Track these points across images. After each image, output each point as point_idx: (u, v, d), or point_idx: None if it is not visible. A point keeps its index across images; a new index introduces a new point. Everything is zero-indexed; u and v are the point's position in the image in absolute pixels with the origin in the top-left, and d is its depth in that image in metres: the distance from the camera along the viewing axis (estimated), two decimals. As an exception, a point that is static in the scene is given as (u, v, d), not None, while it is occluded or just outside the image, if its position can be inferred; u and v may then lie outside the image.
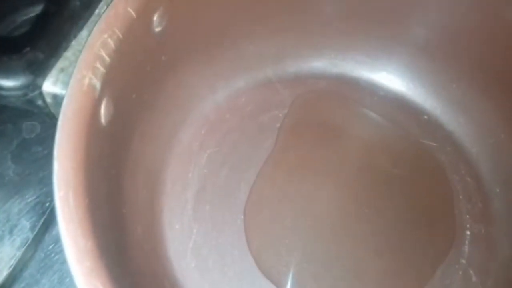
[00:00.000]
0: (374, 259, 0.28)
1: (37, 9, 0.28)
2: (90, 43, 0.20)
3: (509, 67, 0.29)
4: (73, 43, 0.22)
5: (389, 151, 0.32)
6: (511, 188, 0.30)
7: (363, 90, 0.33)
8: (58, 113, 0.19)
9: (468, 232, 0.29)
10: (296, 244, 0.28)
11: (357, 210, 0.29)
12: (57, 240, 0.28)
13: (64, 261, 0.27)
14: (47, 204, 0.28)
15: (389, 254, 0.28)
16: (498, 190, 0.30)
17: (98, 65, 0.19)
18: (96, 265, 0.16)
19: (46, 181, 0.29)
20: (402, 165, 0.31)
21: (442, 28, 0.31)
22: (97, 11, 0.23)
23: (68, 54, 0.22)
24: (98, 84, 0.19)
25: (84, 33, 0.22)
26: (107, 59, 0.20)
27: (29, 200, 0.29)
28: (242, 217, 0.28)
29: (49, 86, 0.21)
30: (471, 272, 0.28)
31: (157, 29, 0.24)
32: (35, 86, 0.21)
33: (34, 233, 0.28)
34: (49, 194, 0.29)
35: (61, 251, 0.27)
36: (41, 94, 0.21)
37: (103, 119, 0.20)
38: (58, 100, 0.21)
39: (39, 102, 0.21)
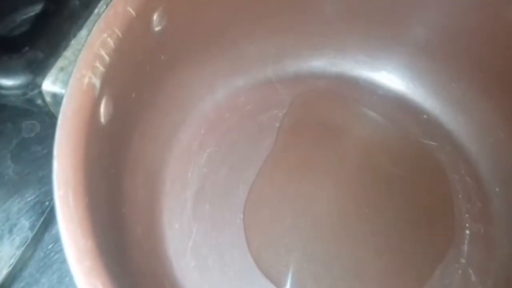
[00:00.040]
0: (373, 259, 0.28)
1: (37, 9, 0.28)
2: (89, 42, 0.20)
3: (509, 67, 0.29)
4: (73, 42, 0.22)
5: (389, 151, 0.32)
6: (510, 187, 0.30)
7: (362, 89, 0.33)
8: (58, 112, 0.19)
9: (467, 232, 0.29)
10: (295, 244, 0.28)
11: (356, 209, 0.29)
12: (56, 240, 0.28)
13: (63, 261, 0.27)
14: (47, 203, 0.28)
15: (388, 253, 0.28)
16: (497, 189, 0.30)
17: (98, 64, 0.19)
18: (96, 264, 0.16)
19: (45, 181, 0.29)
20: (401, 165, 0.31)
21: (442, 28, 0.31)
22: (96, 10, 0.23)
23: (68, 53, 0.22)
24: (97, 83, 0.19)
25: (83, 32, 0.22)
26: (107, 58, 0.20)
27: (29, 199, 0.29)
28: (242, 216, 0.28)
29: (49, 85, 0.21)
30: (470, 271, 0.28)
31: (157, 29, 0.24)
32: (35, 85, 0.21)
33: (34, 232, 0.28)
34: (49, 194, 0.29)
35: (60, 251, 0.27)
36: (40, 93, 0.21)
37: (102, 118, 0.20)
38: (57, 99, 0.21)
39: (39, 101, 0.21)
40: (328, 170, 0.31)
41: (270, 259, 0.27)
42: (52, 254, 0.28)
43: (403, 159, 0.31)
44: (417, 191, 0.30)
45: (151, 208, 0.27)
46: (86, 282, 0.16)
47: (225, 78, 0.32)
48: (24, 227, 0.28)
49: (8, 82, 0.21)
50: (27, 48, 0.21)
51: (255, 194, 0.29)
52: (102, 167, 0.20)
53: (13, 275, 0.27)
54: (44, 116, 0.22)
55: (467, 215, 0.29)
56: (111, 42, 0.20)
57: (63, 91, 0.20)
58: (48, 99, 0.21)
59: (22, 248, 0.27)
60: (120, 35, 0.20)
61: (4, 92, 0.21)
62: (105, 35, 0.20)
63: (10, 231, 0.27)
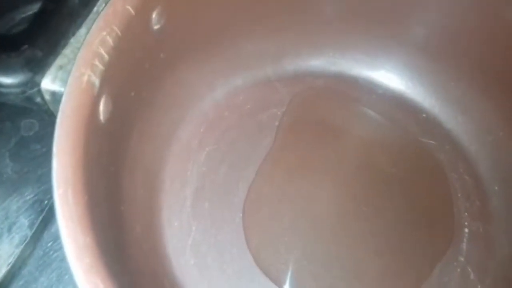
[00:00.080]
0: (373, 259, 0.28)
1: (36, 7, 0.27)
2: (88, 40, 0.20)
3: (508, 67, 0.29)
4: (72, 40, 0.22)
5: (388, 150, 0.32)
6: (509, 186, 0.30)
7: (361, 88, 0.33)
8: (57, 110, 0.19)
9: (466, 230, 0.29)
10: (295, 243, 0.28)
11: (355, 208, 0.29)
12: (55, 238, 0.28)
13: (62, 259, 0.27)
14: (46, 202, 0.28)
15: (388, 253, 0.28)
16: (496, 188, 0.30)
17: (97, 63, 0.19)
18: (96, 262, 0.16)
19: (44, 179, 0.29)
20: (400, 164, 0.31)
21: (442, 28, 0.31)
22: (95, 8, 0.23)
23: (67, 51, 0.22)
24: (97, 82, 0.19)
25: (82, 30, 0.22)
26: (106, 56, 0.20)
27: (28, 198, 0.29)
28: (241, 215, 0.28)
29: (48, 83, 0.21)
30: (469, 269, 0.28)
31: (156, 27, 0.23)
32: (34, 84, 0.21)
33: (33, 230, 0.28)
34: (48, 192, 0.29)
35: (59, 249, 0.28)
36: (39, 92, 0.21)
37: (101, 117, 0.20)
38: (56, 97, 0.21)
39: (38, 100, 0.21)
40: (327, 169, 0.31)
41: (269, 257, 0.27)
42: (51, 252, 0.28)
43: (402, 158, 0.31)
44: (416, 190, 0.30)
45: (150, 207, 0.27)
46: (85, 279, 0.16)
47: (225, 76, 0.32)
48: (23, 226, 0.28)
49: (7, 80, 0.21)
50: (26, 46, 0.21)
51: (255, 192, 0.29)
52: (101, 165, 0.20)
53: (12, 273, 0.27)
54: (43, 115, 0.22)
55: (466, 214, 0.30)
56: (110, 41, 0.20)
57: (62, 89, 0.20)
58: (47, 97, 0.21)
59: (21, 247, 0.27)
60: (119, 33, 0.20)
61: (3, 90, 0.21)
62: (104, 33, 0.20)
63: (9, 229, 0.27)
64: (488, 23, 0.29)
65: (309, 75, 0.33)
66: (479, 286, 0.27)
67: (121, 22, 0.21)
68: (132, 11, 0.21)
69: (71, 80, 0.19)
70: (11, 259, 0.27)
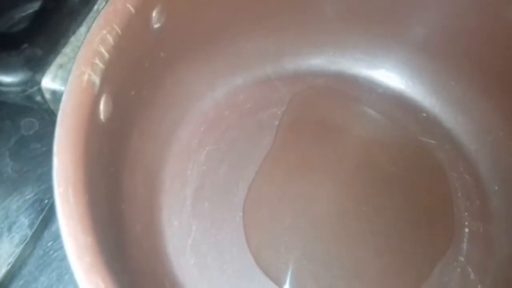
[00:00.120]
0: (373, 258, 0.28)
1: (36, 5, 0.27)
2: (89, 39, 0.20)
3: (508, 67, 0.29)
4: (72, 39, 0.22)
5: (388, 149, 0.32)
6: (509, 186, 0.30)
7: (361, 87, 0.33)
8: (57, 109, 0.19)
9: (466, 230, 0.29)
10: (295, 242, 0.28)
11: (355, 208, 0.29)
12: (56, 237, 0.28)
13: (63, 258, 0.27)
14: (46, 201, 0.28)
15: (388, 253, 0.28)
16: (496, 187, 0.30)
17: (97, 61, 0.19)
18: (96, 261, 0.16)
19: (44, 178, 0.29)
20: (400, 163, 0.31)
21: (442, 28, 0.31)
22: (95, 7, 0.23)
23: (67, 50, 0.21)
24: (97, 80, 0.19)
25: (83, 29, 0.22)
26: (106, 55, 0.20)
27: (28, 197, 0.28)
28: (241, 214, 0.28)
29: (48, 82, 0.21)
30: (469, 269, 0.28)
31: (156, 26, 0.23)
32: (34, 82, 0.21)
33: (33, 230, 0.28)
34: (48, 191, 0.29)
35: (59, 248, 0.27)
36: (40, 90, 0.21)
37: (102, 116, 0.20)
38: (57, 96, 0.21)
39: (38, 98, 0.21)
40: (327, 168, 0.31)
41: (269, 257, 0.27)
42: (51, 252, 0.28)
43: (402, 157, 0.31)
44: (416, 189, 0.30)
45: (151, 206, 0.27)
46: (86, 278, 0.16)
47: (225, 76, 0.32)
48: (23, 225, 0.28)
49: (7, 79, 0.21)
50: (26, 45, 0.21)
51: (255, 192, 0.29)
52: (101, 165, 0.20)
53: (12, 273, 0.27)
54: (43, 114, 0.22)
55: (466, 213, 0.30)
56: (110, 39, 0.20)
57: (62, 88, 0.20)
58: (47, 96, 0.21)
59: (21, 246, 0.27)
60: (119, 32, 0.20)
61: (3, 89, 0.21)
62: (104, 32, 0.20)
63: (9, 229, 0.27)
64: (488, 23, 0.29)
65: (309, 74, 0.33)
66: (479, 286, 0.27)
67: (122, 21, 0.21)
68: (133, 10, 0.21)
69: (71, 78, 0.19)
70: (11, 259, 0.27)
